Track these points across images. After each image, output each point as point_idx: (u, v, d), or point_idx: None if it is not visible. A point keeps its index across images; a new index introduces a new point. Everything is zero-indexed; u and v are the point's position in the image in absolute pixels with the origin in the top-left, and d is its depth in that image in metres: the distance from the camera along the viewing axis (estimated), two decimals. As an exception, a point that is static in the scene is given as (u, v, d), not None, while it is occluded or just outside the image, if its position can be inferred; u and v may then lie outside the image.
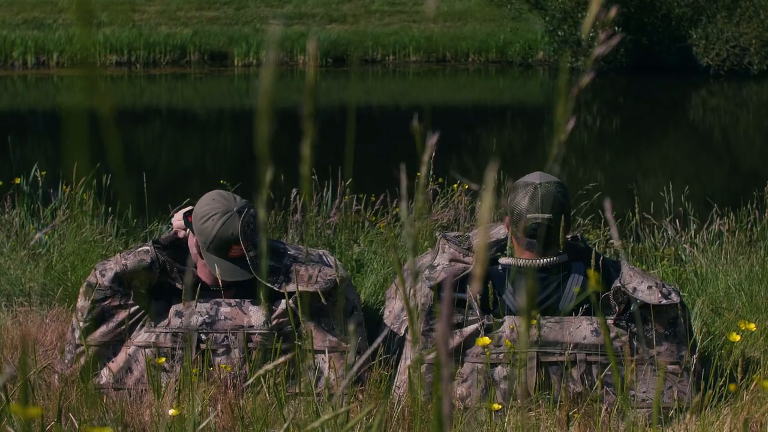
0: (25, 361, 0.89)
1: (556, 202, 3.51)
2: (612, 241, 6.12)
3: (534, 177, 3.57)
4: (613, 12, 0.97)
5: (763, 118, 19.91)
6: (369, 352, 1.52)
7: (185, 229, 3.70)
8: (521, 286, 3.59)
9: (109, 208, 6.14)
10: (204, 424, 2.08)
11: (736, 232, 6.01)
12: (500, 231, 3.80)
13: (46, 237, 5.40)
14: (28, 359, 3.36)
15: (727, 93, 23.32)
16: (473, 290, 0.94)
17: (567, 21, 25.86)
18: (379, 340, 2.10)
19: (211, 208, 3.52)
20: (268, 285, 3.49)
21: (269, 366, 1.67)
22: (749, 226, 6.26)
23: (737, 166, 14.56)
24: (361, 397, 3.29)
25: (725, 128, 18.47)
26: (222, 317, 3.52)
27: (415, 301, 3.40)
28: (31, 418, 0.94)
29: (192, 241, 3.61)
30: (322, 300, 3.46)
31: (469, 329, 3.49)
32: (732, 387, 2.29)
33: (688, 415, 3.17)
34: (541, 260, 3.55)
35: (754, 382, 3.08)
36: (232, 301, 3.56)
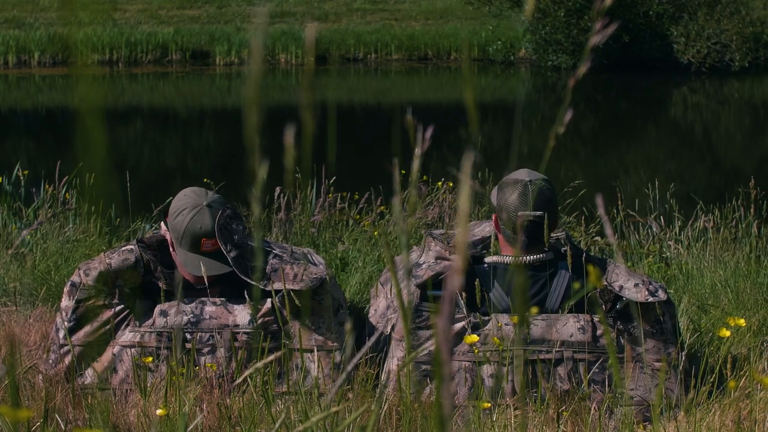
0: (16, 361, 0.87)
1: (547, 200, 3.49)
2: (597, 238, 6.12)
3: (522, 174, 3.54)
4: (608, 0, 0.95)
5: (744, 114, 19.98)
6: (364, 350, 1.50)
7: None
8: (514, 284, 3.57)
9: (92, 207, 6.10)
10: (193, 425, 2.06)
11: (721, 229, 6.02)
12: (485, 229, 3.77)
13: (29, 237, 5.36)
14: (14, 359, 3.33)
15: (709, 90, 23.38)
16: (454, 285, 0.91)
17: (544, 20, 25.86)
18: (373, 339, 2.08)
19: (181, 204, 3.52)
20: (253, 282, 3.47)
21: (259, 364, 1.65)
22: (734, 222, 6.27)
23: (720, 163, 14.61)
24: (350, 396, 3.27)
25: (707, 125, 18.52)
26: (207, 316, 3.49)
27: (402, 298, 3.39)
28: (20, 421, 0.92)
29: (169, 240, 3.60)
30: (297, 300, 3.43)
31: (455, 327, 3.47)
32: (732, 384, 2.28)
33: (681, 413, 3.16)
34: (530, 257, 3.53)
35: (743, 379, 3.08)
36: (217, 300, 3.54)
